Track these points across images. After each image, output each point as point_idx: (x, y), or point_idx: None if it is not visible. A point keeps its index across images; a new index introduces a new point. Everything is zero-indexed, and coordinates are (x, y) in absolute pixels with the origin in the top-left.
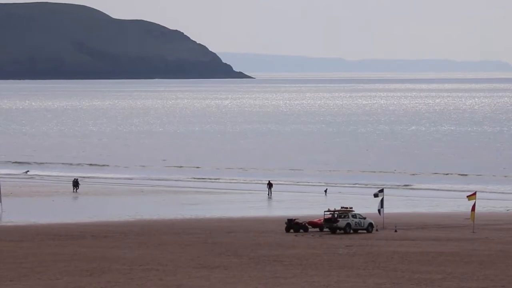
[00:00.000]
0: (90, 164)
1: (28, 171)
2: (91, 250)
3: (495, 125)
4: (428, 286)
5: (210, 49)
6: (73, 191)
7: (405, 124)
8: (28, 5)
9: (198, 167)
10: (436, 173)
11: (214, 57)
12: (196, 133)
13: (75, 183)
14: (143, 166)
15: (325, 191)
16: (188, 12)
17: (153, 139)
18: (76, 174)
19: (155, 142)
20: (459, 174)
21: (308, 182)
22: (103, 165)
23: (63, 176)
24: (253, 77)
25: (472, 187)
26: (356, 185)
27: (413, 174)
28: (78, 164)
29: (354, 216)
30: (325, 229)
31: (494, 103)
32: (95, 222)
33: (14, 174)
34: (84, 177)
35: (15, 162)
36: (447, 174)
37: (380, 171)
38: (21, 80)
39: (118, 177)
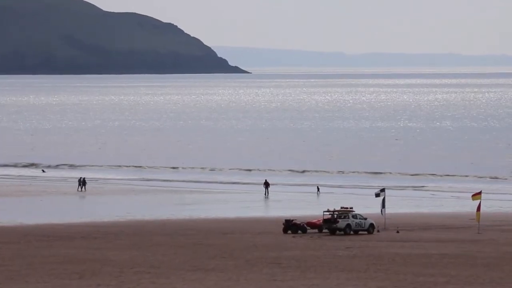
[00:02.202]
0: (76, 164)
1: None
2: (81, 251)
3: (501, 121)
4: None
5: (204, 43)
6: (80, 190)
7: (406, 121)
8: None
9: (192, 166)
10: (439, 172)
11: (208, 51)
12: (190, 130)
13: (83, 182)
14: (135, 164)
15: (318, 189)
16: (181, 4)
17: (144, 136)
18: (66, 174)
19: (145, 140)
20: (463, 173)
21: (307, 182)
22: (92, 164)
23: (51, 175)
24: (249, 72)
25: (477, 186)
26: (357, 185)
27: (416, 173)
28: (68, 165)
29: (355, 216)
30: (324, 230)
31: (499, 99)
32: (84, 223)
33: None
34: (71, 178)
35: None
36: (450, 172)
37: (381, 170)
38: (8, 75)
39: (108, 176)
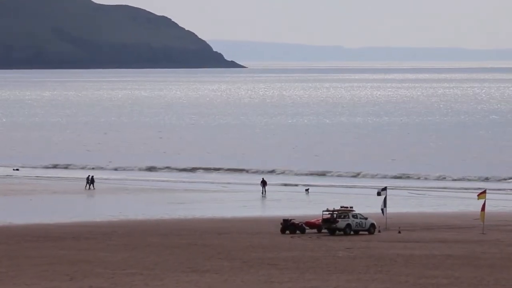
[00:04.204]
0: (68, 164)
1: (18, 169)
2: (72, 252)
3: (506, 117)
4: None
5: (199, 37)
6: (89, 188)
7: (409, 117)
8: None
9: (186, 163)
10: (441, 170)
11: (204, 45)
12: (184, 126)
13: (91, 180)
14: (127, 162)
15: (307, 190)
16: None
17: (137, 133)
18: (57, 172)
19: (138, 136)
20: (465, 172)
21: (305, 181)
22: (83, 162)
23: (39, 174)
24: (246, 66)
25: (482, 185)
26: (358, 184)
27: (419, 171)
28: (57, 165)
29: (355, 216)
30: (323, 230)
31: (503, 94)
32: (76, 223)
33: None
34: (57, 177)
35: None
36: (453, 170)
37: (383, 168)
38: None
39: (100, 175)
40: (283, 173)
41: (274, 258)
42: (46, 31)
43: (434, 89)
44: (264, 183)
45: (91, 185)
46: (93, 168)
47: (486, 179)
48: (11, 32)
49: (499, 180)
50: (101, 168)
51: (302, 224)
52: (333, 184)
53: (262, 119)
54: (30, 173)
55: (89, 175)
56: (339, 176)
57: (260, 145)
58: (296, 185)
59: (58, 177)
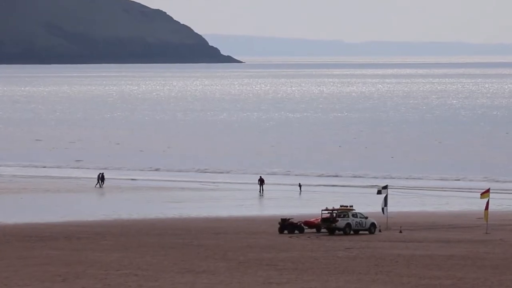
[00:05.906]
0: (60, 161)
1: None
2: (64, 253)
3: (510, 114)
4: None
5: (195, 31)
6: (99, 186)
7: (409, 114)
8: None
9: (182, 162)
10: (443, 169)
11: (199, 40)
12: (179, 123)
13: (101, 178)
14: (120, 160)
15: (299, 186)
16: None
17: (131, 130)
18: (49, 171)
19: (133, 133)
20: (469, 170)
21: (303, 180)
22: (76, 160)
23: (30, 172)
24: (243, 61)
25: (486, 184)
26: (357, 183)
27: (420, 170)
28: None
29: (355, 215)
30: (322, 230)
31: (507, 90)
32: (68, 222)
33: None
34: (54, 176)
35: None
36: (455, 169)
37: (383, 167)
38: None
39: (93, 173)
40: (281, 172)
41: (272, 258)
42: (37, 25)
43: (435, 84)
44: (261, 181)
45: (101, 183)
46: (78, 167)
47: (490, 178)
48: (1, 26)
49: (503, 180)
50: (92, 166)
51: (300, 224)
52: (332, 183)
53: (258, 116)
54: (5, 171)
55: (99, 173)
56: (338, 175)
57: (258, 143)
58: (293, 184)
59: (50, 176)
